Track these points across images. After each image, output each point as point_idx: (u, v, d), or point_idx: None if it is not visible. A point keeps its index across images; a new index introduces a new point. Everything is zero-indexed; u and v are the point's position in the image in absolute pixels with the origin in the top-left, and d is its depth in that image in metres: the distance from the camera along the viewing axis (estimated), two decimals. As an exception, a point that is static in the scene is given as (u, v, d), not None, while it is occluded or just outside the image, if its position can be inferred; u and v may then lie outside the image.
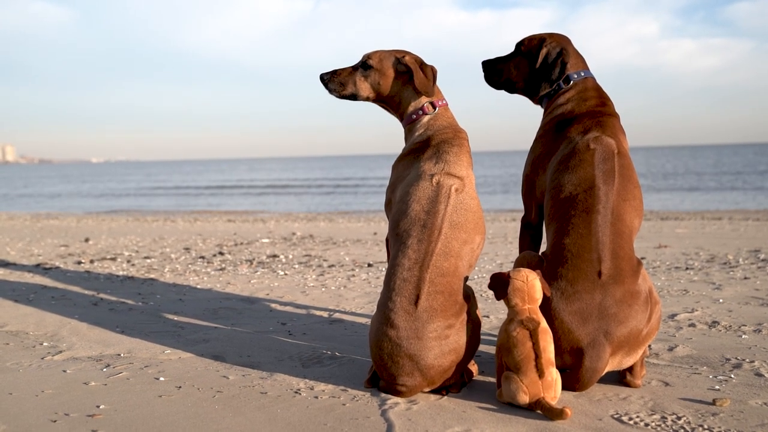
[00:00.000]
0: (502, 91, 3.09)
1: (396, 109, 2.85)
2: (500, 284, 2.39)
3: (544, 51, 2.87)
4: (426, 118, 2.76)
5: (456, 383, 2.48)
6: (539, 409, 2.24)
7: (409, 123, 2.80)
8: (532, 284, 2.35)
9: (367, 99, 2.84)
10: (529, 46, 2.94)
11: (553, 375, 2.30)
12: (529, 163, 2.85)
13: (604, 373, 2.43)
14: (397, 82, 2.79)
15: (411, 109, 2.79)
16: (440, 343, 2.39)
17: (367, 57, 2.80)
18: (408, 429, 2.15)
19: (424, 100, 2.78)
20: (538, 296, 2.36)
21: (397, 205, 2.65)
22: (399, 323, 2.39)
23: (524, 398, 2.27)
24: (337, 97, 2.86)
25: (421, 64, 2.77)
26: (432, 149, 2.67)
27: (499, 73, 3.00)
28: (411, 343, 2.37)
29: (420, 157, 2.68)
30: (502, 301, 2.42)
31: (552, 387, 2.28)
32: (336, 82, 2.83)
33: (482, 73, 3.08)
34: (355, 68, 2.83)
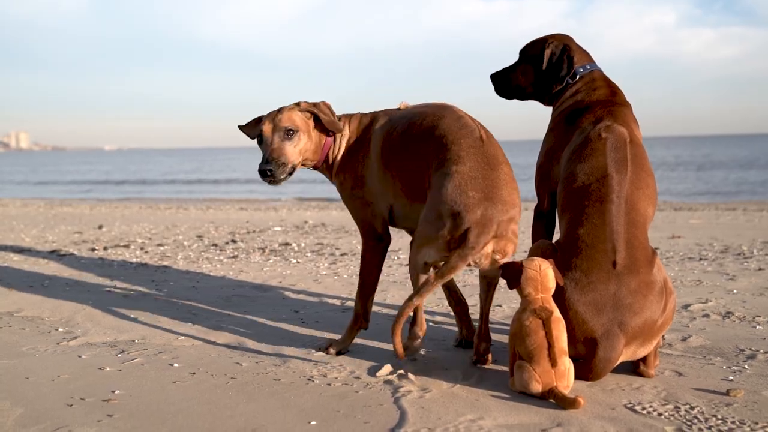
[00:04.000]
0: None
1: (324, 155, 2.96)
2: (513, 273, 2.38)
3: (548, 51, 2.93)
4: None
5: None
6: (552, 398, 2.24)
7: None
8: (545, 273, 2.34)
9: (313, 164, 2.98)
10: (532, 51, 2.99)
11: (566, 364, 2.29)
12: (542, 153, 2.86)
13: (618, 363, 2.43)
14: (315, 130, 2.89)
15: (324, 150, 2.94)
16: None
17: (280, 121, 2.81)
18: (421, 417, 2.16)
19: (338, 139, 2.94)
20: (551, 285, 2.35)
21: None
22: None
23: (537, 387, 2.27)
24: (283, 180, 2.82)
25: (314, 105, 2.86)
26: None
27: (508, 82, 3.07)
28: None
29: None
30: (515, 291, 2.41)
31: (565, 376, 2.28)
32: (279, 167, 2.78)
33: (492, 87, 3.12)
34: (282, 138, 2.82)
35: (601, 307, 2.38)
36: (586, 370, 2.40)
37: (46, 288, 4.39)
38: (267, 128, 2.80)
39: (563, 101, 2.87)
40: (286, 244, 6.58)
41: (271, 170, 2.74)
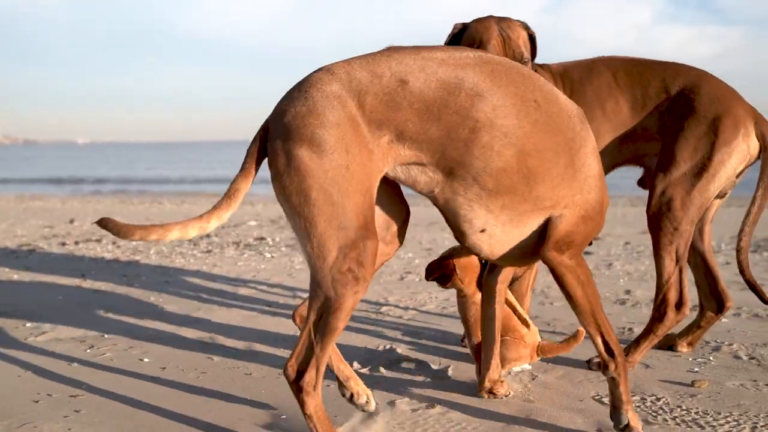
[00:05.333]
0: None
1: None
2: (445, 271, 2.28)
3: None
4: None
5: None
6: (548, 353, 2.29)
7: None
8: (470, 256, 2.25)
9: None
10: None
11: (533, 326, 2.35)
12: None
13: None
14: None
15: None
16: None
17: None
18: (390, 410, 2.17)
19: None
20: (476, 264, 2.30)
21: None
22: None
23: (525, 351, 2.30)
24: None
25: None
26: None
27: None
28: None
29: None
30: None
31: (537, 333, 2.34)
32: None
33: None
34: None
35: None
36: None
37: (14, 283, 4.33)
38: None
39: None
40: (261, 238, 6.56)
41: None
